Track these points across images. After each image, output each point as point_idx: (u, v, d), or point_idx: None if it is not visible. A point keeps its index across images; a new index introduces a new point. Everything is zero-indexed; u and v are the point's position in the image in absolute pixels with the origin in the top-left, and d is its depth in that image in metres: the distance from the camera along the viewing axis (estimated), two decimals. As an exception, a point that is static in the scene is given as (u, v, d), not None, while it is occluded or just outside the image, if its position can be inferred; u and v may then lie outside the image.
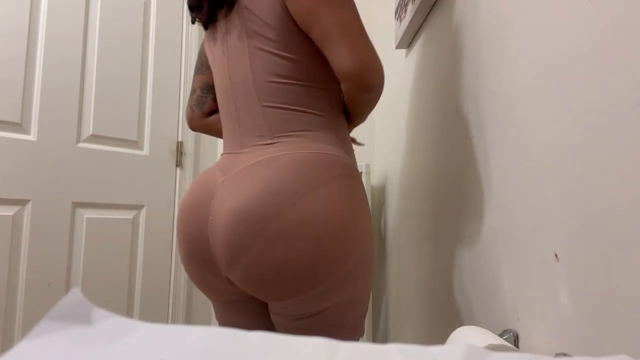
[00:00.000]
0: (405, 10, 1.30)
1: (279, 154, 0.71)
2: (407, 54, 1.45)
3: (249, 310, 0.80)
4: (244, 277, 0.68)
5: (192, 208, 0.75)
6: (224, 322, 0.83)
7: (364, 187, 0.77)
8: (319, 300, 0.69)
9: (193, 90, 1.02)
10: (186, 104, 1.06)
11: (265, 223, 0.65)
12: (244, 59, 0.79)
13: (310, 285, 0.67)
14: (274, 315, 0.75)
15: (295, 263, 0.65)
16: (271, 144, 0.75)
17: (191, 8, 0.88)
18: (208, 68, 1.00)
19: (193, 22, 0.90)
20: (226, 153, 0.82)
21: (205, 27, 0.89)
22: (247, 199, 0.67)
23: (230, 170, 0.74)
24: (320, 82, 0.80)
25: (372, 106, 0.80)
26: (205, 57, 1.00)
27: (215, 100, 1.00)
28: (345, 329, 0.73)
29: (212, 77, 0.99)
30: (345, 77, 0.71)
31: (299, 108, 0.78)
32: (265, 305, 0.80)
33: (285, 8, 0.75)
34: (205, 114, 1.01)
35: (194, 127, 1.02)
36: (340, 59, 0.71)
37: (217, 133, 1.01)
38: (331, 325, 0.72)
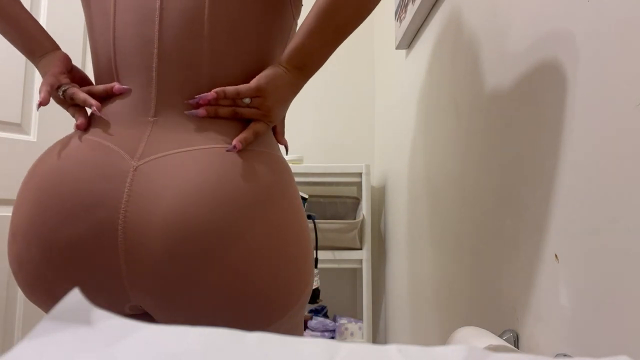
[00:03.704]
0: (405, 11, 1.30)
1: (221, 147, 0.56)
2: (407, 55, 1.45)
3: None
4: (177, 314, 0.52)
5: (84, 203, 0.51)
6: None
7: None
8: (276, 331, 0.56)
9: None
10: None
11: (223, 248, 0.50)
12: None
13: (279, 314, 0.55)
14: None
15: (263, 290, 0.52)
16: (211, 123, 0.59)
17: None
18: None
19: None
20: (116, 116, 0.58)
21: None
22: (194, 208, 0.50)
23: (144, 152, 0.54)
24: (274, 61, 0.64)
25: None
26: None
27: None
28: None
29: None
30: None
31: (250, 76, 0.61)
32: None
33: None
34: None
35: None
36: None
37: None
38: None
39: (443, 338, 1.01)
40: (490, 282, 0.75)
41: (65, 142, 0.58)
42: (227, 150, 0.55)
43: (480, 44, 0.82)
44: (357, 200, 1.92)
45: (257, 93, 0.57)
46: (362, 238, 1.77)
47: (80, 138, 0.57)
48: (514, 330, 0.65)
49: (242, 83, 0.61)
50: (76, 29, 1.65)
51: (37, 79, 1.56)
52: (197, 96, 0.57)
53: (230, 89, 0.57)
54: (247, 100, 0.57)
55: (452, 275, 0.95)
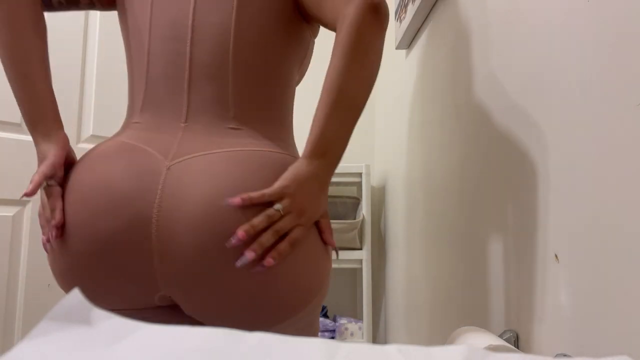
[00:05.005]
0: (405, 11, 1.30)
1: (253, 150, 0.60)
2: (407, 55, 1.45)
3: (171, 322, 0.64)
4: (206, 302, 0.55)
5: (122, 198, 0.56)
6: None
7: None
8: (289, 327, 0.60)
9: None
10: None
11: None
12: (226, 4, 0.64)
13: (295, 310, 0.58)
14: None
15: (285, 286, 0.56)
16: (236, 129, 0.63)
17: None
18: None
19: None
20: (150, 122, 0.64)
21: None
22: (221, 204, 0.54)
23: (176, 153, 0.59)
24: (292, 74, 0.70)
25: (372, 59, 0.58)
26: None
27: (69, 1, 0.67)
28: None
29: None
30: None
31: (274, 92, 0.67)
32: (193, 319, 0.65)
33: None
34: None
35: None
36: None
37: (15, 16, 0.62)
38: None
39: (443, 338, 1.01)
40: (490, 282, 0.75)
41: (104, 145, 0.63)
42: (239, 265, 0.54)
43: (480, 44, 0.82)
44: (357, 200, 1.92)
45: (283, 194, 0.56)
46: (362, 238, 1.77)
47: (117, 142, 0.62)
48: (514, 330, 0.65)
49: (263, 93, 0.65)
50: (76, 28, 1.65)
51: (37, 79, 1.56)
52: (226, 201, 0.54)
53: (255, 194, 0.55)
54: (278, 207, 0.55)
55: (452, 275, 0.95)
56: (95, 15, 1.72)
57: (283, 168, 0.60)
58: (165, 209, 0.55)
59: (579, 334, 0.51)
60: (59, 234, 0.58)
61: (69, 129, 1.62)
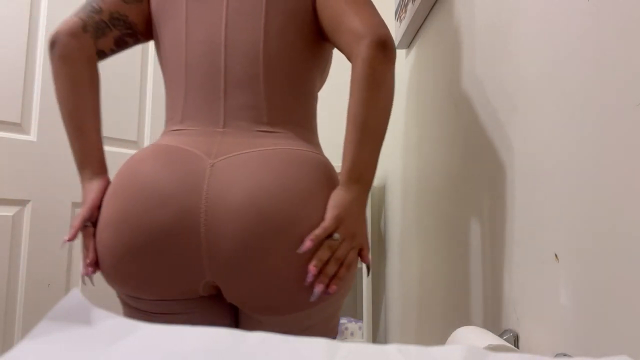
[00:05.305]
0: (405, 11, 1.30)
1: (288, 148, 0.66)
2: (407, 54, 1.45)
3: (207, 312, 0.69)
4: (249, 285, 0.61)
5: (172, 192, 0.62)
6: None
7: None
8: (320, 312, 0.65)
9: (97, 10, 0.73)
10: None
11: (289, 225, 0.60)
12: (255, 19, 0.71)
13: (322, 298, 0.63)
14: (249, 327, 0.69)
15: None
16: (270, 132, 0.69)
17: None
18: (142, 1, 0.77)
19: None
20: (191, 129, 0.70)
21: None
22: (266, 195, 0.60)
23: (218, 153, 0.65)
24: (315, 82, 0.78)
25: (386, 90, 0.64)
26: None
27: (116, 44, 0.76)
28: None
29: (137, 14, 0.76)
30: (361, 35, 0.64)
31: (300, 99, 0.74)
32: (228, 310, 0.72)
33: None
34: (94, 40, 0.73)
35: (66, 44, 0.70)
36: (355, 22, 0.65)
37: (74, 74, 0.71)
38: None
39: (443, 338, 1.01)
40: (490, 282, 0.75)
41: (147, 149, 0.69)
42: (313, 299, 0.61)
43: (480, 44, 0.82)
44: (357, 200, 1.91)
45: (338, 223, 0.62)
46: (362, 238, 1.77)
47: (161, 145, 0.68)
48: (514, 330, 0.65)
49: (292, 100, 0.72)
50: (76, 29, 1.65)
51: (38, 78, 1.56)
52: (301, 249, 0.60)
53: (318, 231, 0.60)
54: (336, 237, 0.62)
55: (452, 275, 0.95)
56: (95, 15, 1.72)
57: (318, 166, 0.66)
58: (213, 201, 0.61)
59: (579, 334, 0.51)
60: (93, 270, 0.66)
61: (69, 129, 1.62)
